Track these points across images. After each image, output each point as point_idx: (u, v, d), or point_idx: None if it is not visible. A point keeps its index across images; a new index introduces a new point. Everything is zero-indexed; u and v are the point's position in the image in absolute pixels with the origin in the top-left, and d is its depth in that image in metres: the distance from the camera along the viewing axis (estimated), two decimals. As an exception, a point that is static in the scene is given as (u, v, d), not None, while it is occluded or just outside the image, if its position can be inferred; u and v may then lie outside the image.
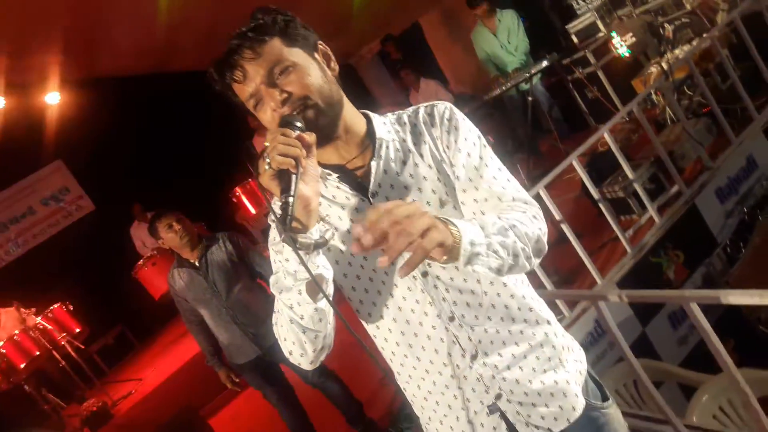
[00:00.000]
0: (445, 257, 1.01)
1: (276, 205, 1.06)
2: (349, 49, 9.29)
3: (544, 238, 1.20)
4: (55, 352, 5.93)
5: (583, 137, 4.40)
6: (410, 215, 0.95)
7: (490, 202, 1.24)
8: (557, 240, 3.49)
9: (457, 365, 1.25)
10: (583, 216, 4.25)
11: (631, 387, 2.77)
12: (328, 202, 1.27)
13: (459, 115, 1.28)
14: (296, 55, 1.19)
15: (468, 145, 1.25)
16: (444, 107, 1.29)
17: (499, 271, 1.10)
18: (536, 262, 1.20)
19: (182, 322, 3.67)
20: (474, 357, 1.24)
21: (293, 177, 1.04)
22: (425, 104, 1.32)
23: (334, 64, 1.28)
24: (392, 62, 8.26)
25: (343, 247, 1.26)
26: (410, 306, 1.24)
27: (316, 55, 1.24)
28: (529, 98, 5.44)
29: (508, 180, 1.27)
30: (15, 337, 5.75)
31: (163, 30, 6.24)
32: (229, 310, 3.31)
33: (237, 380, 3.58)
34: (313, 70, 1.20)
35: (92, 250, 7.91)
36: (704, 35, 4.45)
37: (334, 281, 1.27)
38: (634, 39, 5.22)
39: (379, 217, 0.95)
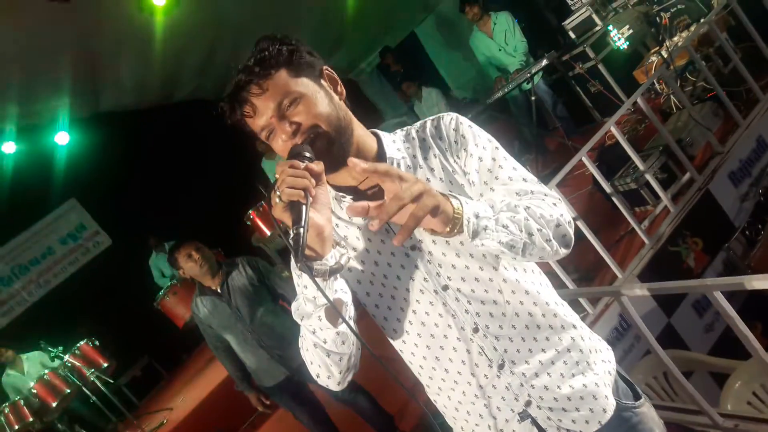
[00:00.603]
0: (447, 228, 1.03)
1: (290, 235, 1.08)
2: (348, 64, 9.36)
3: (568, 227, 1.20)
4: (84, 389, 5.98)
5: (590, 132, 4.42)
6: (404, 179, 1.00)
7: (507, 200, 1.24)
8: (574, 237, 3.48)
9: (485, 375, 1.27)
10: (598, 211, 4.24)
11: (662, 379, 2.75)
12: (345, 224, 1.29)
13: (465, 123, 1.29)
14: (303, 85, 1.21)
15: (479, 150, 1.26)
16: (450, 118, 1.30)
17: (512, 249, 1.11)
18: (562, 249, 1.20)
19: (208, 348, 3.70)
20: (501, 366, 1.26)
21: (303, 207, 1.06)
22: (432, 117, 1.33)
23: (341, 88, 1.30)
24: (392, 74, 8.31)
25: (362, 267, 1.27)
26: (434, 320, 1.26)
27: (323, 82, 1.26)
28: (532, 98, 5.45)
29: (525, 179, 1.26)
30: (45, 377, 5.82)
31: (163, 63, 6.34)
32: (254, 334, 3.34)
33: (267, 402, 3.59)
34: (321, 98, 1.21)
35: (113, 285, 8.00)
36: (701, 20, 4.45)
37: (358, 300, 1.29)
38: (631, 31, 5.22)
39: (378, 166, 1.01)
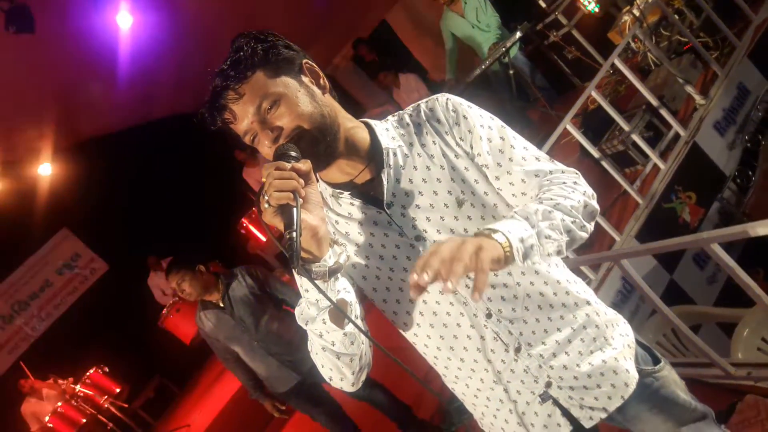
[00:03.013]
0: (503, 264, 1.01)
1: (284, 240, 1.05)
2: (322, 59, 9.30)
3: (592, 201, 1.19)
4: (100, 416, 5.98)
5: (571, 99, 4.40)
6: (453, 248, 0.96)
7: (527, 183, 1.23)
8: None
9: (502, 360, 1.25)
10: (589, 177, 4.18)
11: (671, 336, 2.76)
12: (345, 220, 1.25)
13: (464, 103, 1.25)
14: (282, 84, 1.16)
15: (485, 130, 1.23)
16: (445, 99, 1.25)
17: (558, 253, 1.10)
18: (591, 227, 1.19)
19: (218, 361, 3.70)
20: (518, 350, 1.24)
21: (294, 210, 1.03)
22: (426, 100, 1.29)
23: (324, 81, 1.25)
24: (368, 64, 8.26)
25: (367, 262, 1.25)
26: (445, 309, 1.24)
27: (303, 78, 1.21)
28: (511, 71, 5.43)
29: (537, 158, 1.24)
30: (59, 410, 5.82)
31: (135, 83, 6.28)
32: (261, 343, 3.33)
33: (283, 408, 3.59)
34: (301, 97, 1.17)
35: (115, 309, 7.97)
36: (669, -26, 4.43)
37: (365, 296, 1.27)
38: (600, -8, 5.21)
39: (427, 260, 0.96)
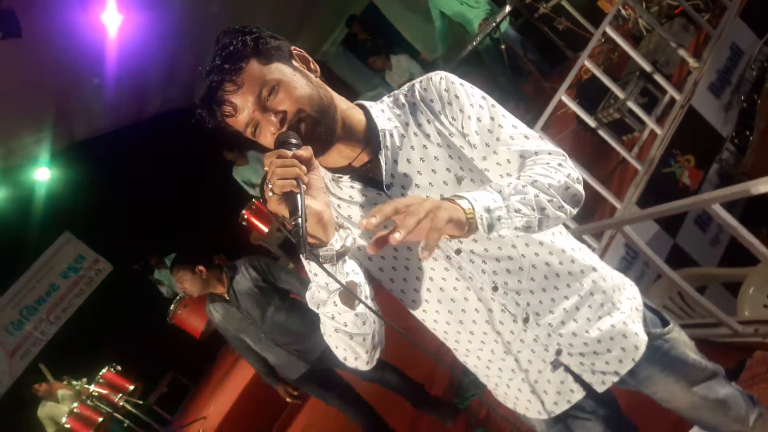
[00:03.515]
0: (465, 230, 1.01)
1: (290, 227, 1.06)
2: (311, 47, 9.24)
3: (577, 185, 1.18)
4: (117, 414, 6.04)
5: (565, 70, 4.39)
6: (411, 203, 0.98)
7: (513, 164, 1.22)
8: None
9: (511, 331, 1.26)
10: (587, 147, 4.24)
11: (677, 299, 2.78)
12: (347, 204, 1.26)
13: (456, 81, 1.25)
14: (277, 70, 1.17)
15: (475, 110, 1.22)
16: (439, 78, 1.25)
17: (528, 229, 1.09)
18: (573, 210, 1.18)
19: (229, 353, 3.76)
20: (526, 320, 1.25)
21: (298, 197, 1.04)
22: (420, 79, 1.29)
23: (314, 65, 1.26)
24: (359, 47, 8.20)
25: None
26: (451, 285, 1.25)
27: (295, 63, 1.22)
28: (502, 46, 5.41)
29: (526, 136, 1.24)
30: (75, 410, 5.86)
31: (126, 82, 6.25)
32: (268, 334, 3.36)
33: (296, 393, 3.64)
34: (298, 80, 1.18)
35: (123, 308, 8.03)
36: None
37: (372, 276, 1.29)
38: (588, -40, 5.17)
39: (383, 207, 0.98)
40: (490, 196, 1.06)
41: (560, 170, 1.17)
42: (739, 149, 3.47)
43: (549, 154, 1.22)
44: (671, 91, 3.66)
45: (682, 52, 3.76)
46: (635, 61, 3.75)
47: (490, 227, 1.03)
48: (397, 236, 0.95)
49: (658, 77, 3.66)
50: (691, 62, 3.69)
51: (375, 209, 0.98)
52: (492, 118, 1.23)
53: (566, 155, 1.24)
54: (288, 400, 3.65)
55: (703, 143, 3.47)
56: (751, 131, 3.44)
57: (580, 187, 1.19)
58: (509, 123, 1.25)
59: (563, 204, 1.14)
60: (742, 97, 3.53)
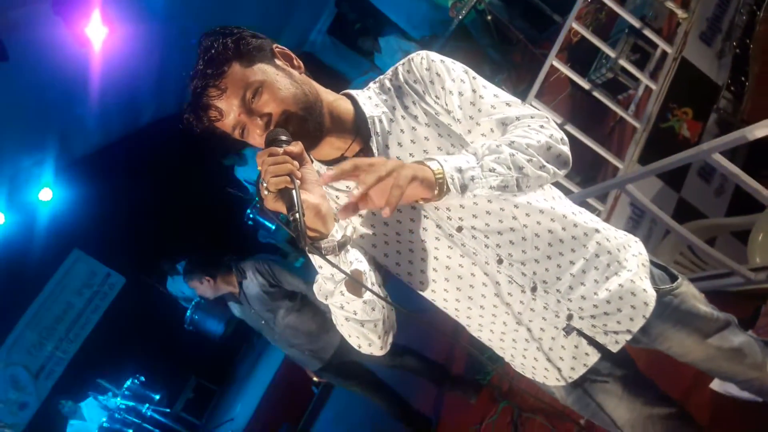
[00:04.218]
0: (435, 192, 1.03)
1: (289, 222, 1.07)
2: (298, 39, 9.19)
3: (561, 146, 1.18)
4: (145, 424, 6.11)
5: (554, 35, 4.34)
6: (374, 162, 1.01)
7: (496, 132, 1.22)
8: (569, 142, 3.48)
9: (521, 302, 1.27)
10: (583, 110, 4.22)
11: (688, 253, 2.76)
12: (344, 194, 1.27)
13: (437, 59, 1.25)
14: (260, 71, 1.18)
15: (456, 85, 1.23)
16: (420, 58, 1.26)
17: (505, 189, 1.10)
18: (561, 170, 1.19)
19: (250, 352, 3.81)
20: (534, 289, 1.26)
21: (293, 192, 1.05)
22: (402, 62, 1.29)
23: (297, 62, 1.26)
24: (349, 26, 8.13)
25: (373, 231, 1.27)
26: (456, 262, 1.26)
27: (278, 62, 1.23)
28: (488, 17, 5.37)
29: (508, 104, 1.24)
30: (104, 425, 5.94)
31: (116, 95, 6.25)
32: (280, 336, 3.39)
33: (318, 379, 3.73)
34: (281, 80, 1.19)
35: (140, 318, 8.09)
36: None
37: (377, 262, 1.29)
38: None
39: (348, 162, 1.02)
40: (463, 158, 1.07)
41: (542, 131, 1.17)
42: (736, 96, 3.43)
43: (531, 117, 1.22)
44: (662, 45, 3.62)
45: (669, 4, 3.71)
46: (623, 18, 3.71)
47: (463, 187, 1.04)
48: (356, 192, 0.97)
49: (647, 32, 3.61)
50: (680, 13, 3.64)
51: (344, 163, 1.01)
52: (473, 90, 1.23)
53: (549, 118, 1.24)
54: (314, 378, 3.72)
55: (699, 94, 3.44)
56: (746, 77, 3.40)
57: (564, 148, 1.19)
58: (490, 93, 1.25)
59: (544, 164, 1.15)
60: (734, 43, 3.48)
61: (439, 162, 1.04)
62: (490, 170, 1.07)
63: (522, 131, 1.16)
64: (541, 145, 1.14)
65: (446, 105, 1.24)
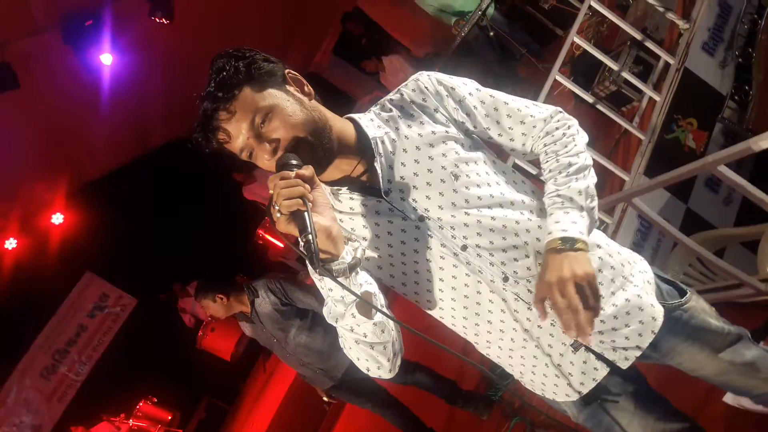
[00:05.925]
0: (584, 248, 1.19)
1: (301, 244, 1.08)
2: (303, 60, 9.28)
3: (583, 135, 1.32)
4: (159, 445, 6.11)
5: (556, 49, 4.37)
6: (556, 300, 1.16)
7: (516, 129, 1.30)
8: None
9: (528, 318, 1.28)
10: (587, 123, 4.22)
11: (697, 264, 2.75)
12: (349, 216, 1.28)
13: (446, 76, 1.30)
14: (270, 97, 1.18)
15: (473, 98, 1.29)
16: (426, 76, 1.29)
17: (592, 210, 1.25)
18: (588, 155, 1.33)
19: (261, 370, 3.81)
20: (540, 306, 1.27)
21: (305, 215, 1.06)
22: (405, 84, 1.31)
23: (308, 88, 1.27)
24: (355, 44, 8.17)
25: (378, 253, 1.27)
26: (462, 282, 1.26)
27: (288, 87, 1.24)
28: (491, 33, 5.40)
29: (526, 105, 1.32)
30: (118, 447, 5.94)
31: (125, 119, 6.33)
32: (292, 355, 3.40)
33: (329, 398, 3.71)
34: (291, 106, 1.19)
35: (152, 339, 8.11)
36: None
37: (384, 284, 1.30)
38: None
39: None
40: (571, 216, 1.20)
41: (578, 138, 1.31)
42: (740, 105, 3.43)
43: (552, 117, 1.32)
44: (665, 56, 3.63)
45: (670, 15, 3.73)
46: (625, 31, 3.73)
47: (589, 234, 1.22)
48: (589, 339, 1.18)
49: (649, 44, 3.63)
50: (681, 24, 3.66)
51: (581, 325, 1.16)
52: (491, 95, 1.30)
53: (561, 110, 1.34)
54: (325, 398, 3.69)
55: (703, 104, 3.44)
56: (750, 86, 3.40)
57: (585, 138, 1.34)
58: (503, 98, 1.32)
59: (588, 164, 1.29)
60: (737, 53, 3.49)
61: (576, 239, 1.18)
62: (590, 209, 1.23)
63: (561, 147, 1.28)
64: (584, 151, 1.30)
65: (468, 116, 1.29)
